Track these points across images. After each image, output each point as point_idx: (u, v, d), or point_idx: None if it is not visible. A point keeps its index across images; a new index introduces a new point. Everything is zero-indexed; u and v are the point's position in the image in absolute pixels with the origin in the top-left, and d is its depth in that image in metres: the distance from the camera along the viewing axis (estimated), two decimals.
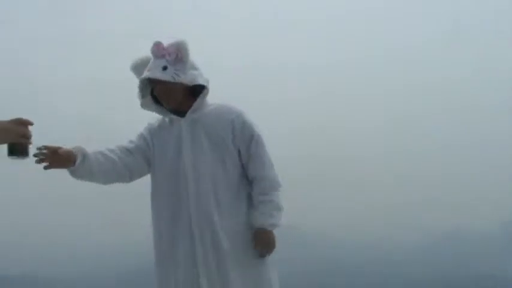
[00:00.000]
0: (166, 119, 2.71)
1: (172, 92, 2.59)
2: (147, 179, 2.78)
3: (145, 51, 2.64)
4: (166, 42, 2.60)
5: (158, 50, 2.58)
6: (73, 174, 2.49)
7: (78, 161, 2.43)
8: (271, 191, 2.63)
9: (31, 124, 2.01)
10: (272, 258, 2.67)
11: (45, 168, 2.39)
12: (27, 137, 1.99)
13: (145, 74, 2.56)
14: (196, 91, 2.64)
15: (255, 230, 2.61)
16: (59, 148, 2.41)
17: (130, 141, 2.69)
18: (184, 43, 2.58)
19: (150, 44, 2.60)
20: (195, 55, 2.64)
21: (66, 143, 2.50)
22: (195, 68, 2.59)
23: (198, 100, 2.63)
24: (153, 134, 2.70)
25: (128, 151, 2.65)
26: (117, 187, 2.74)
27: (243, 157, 2.65)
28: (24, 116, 1.97)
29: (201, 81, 2.58)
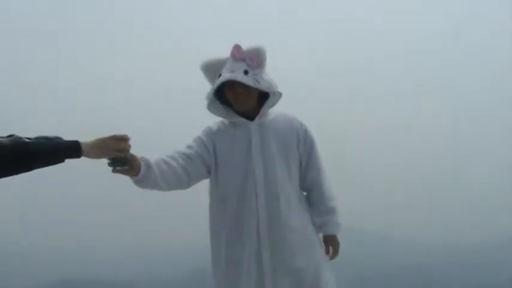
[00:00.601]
0: (226, 122, 2.76)
1: (250, 96, 2.67)
2: None
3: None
4: (244, 46, 2.67)
5: (238, 53, 2.65)
6: (137, 183, 2.51)
7: (142, 171, 2.46)
8: (333, 199, 2.83)
9: (128, 139, 2.31)
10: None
11: (114, 172, 2.40)
12: (125, 151, 2.31)
13: (228, 75, 2.59)
14: (263, 97, 2.73)
15: (327, 236, 2.85)
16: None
17: (189, 147, 2.71)
18: (264, 49, 2.67)
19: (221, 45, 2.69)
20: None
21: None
22: (268, 75, 2.68)
23: (267, 105, 2.73)
24: (214, 138, 2.74)
25: (188, 158, 2.66)
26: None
27: (303, 164, 2.78)
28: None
29: (277, 89, 2.68)
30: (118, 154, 2.30)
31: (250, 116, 2.73)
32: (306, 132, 2.80)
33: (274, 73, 2.68)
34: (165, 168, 2.58)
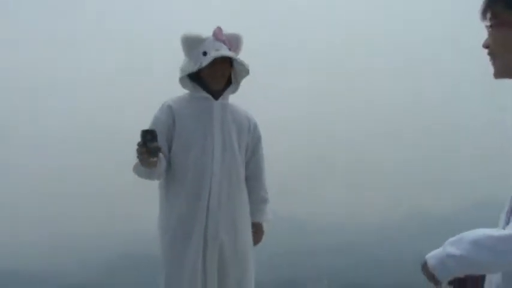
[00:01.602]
0: (186, 98, 2.86)
1: (227, 74, 2.81)
2: None
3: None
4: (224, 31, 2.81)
5: (220, 34, 2.78)
6: (149, 174, 2.66)
7: (157, 163, 2.56)
8: (267, 192, 3.05)
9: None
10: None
11: (143, 164, 2.53)
12: (140, 152, 2.45)
13: (222, 52, 2.69)
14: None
15: (255, 223, 3.01)
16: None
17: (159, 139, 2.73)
18: (242, 37, 2.84)
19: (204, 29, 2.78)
20: None
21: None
22: None
23: (232, 87, 2.87)
24: (174, 113, 2.79)
25: (163, 152, 2.73)
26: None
27: (249, 151, 2.95)
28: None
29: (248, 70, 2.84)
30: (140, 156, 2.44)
31: (215, 96, 2.84)
32: (255, 125, 3.00)
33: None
34: (164, 160, 2.71)
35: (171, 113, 2.78)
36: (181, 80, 2.80)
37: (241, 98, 3.00)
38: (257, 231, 3.02)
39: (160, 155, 2.59)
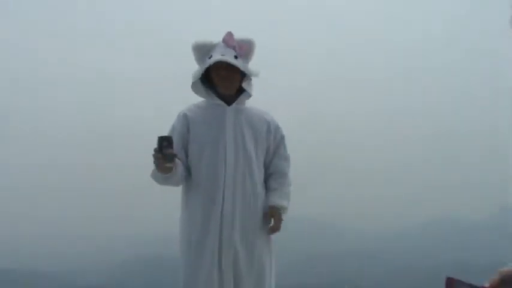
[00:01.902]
0: (202, 105, 2.90)
1: (235, 80, 2.82)
2: None
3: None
4: (236, 36, 2.81)
5: (230, 40, 2.79)
6: (165, 179, 2.72)
7: (174, 169, 2.65)
8: (289, 186, 2.99)
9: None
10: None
11: (159, 170, 2.62)
12: (156, 157, 2.55)
13: (220, 57, 2.72)
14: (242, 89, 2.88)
15: (273, 208, 2.89)
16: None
17: (175, 147, 2.78)
18: (254, 43, 2.84)
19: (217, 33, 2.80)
20: None
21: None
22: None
23: (246, 93, 2.86)
24: (189, 121, 2.86)
25: (180, 159, 2.80)
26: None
27: (269, 153, 2.95)
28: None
29: (256, 75, 2.83)
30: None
31: (228, 102, 2.87)
32: (277, 127, 2.99)
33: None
34: (180, 166, 2.75)
35: (186, 122, 2.85)
36: (193, 86, 2.85)
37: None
38: (274, 216, 2.89)
39: (178, 161, 2.68)
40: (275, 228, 2.89)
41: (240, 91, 2.88)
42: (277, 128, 2.98)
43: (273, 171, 2.96)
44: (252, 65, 2.84)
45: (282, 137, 2.99)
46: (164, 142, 2.52)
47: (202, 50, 2.80)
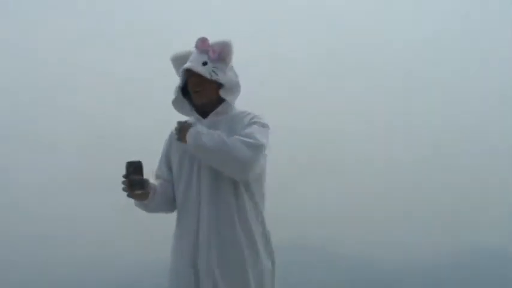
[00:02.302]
0: (191, 121, 2.61)
1: (206, 88, 2.55)
2: None
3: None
4: (212, 40, 2.59)
5: (203, 45, 2.57)
6: (146, 207, 2.56)
7: (150, 195, 2.50)
8: (247, 143, 2.37)
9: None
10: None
11: (129, 196, 2.45)
12: (123, 184, 2.41)
13: (186, 65, 2.52)
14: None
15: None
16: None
17: (159, 168, 2.70)
18: (229, 44, 2.58)
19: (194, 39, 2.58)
20: None
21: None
22: (234, 74, 2.60)
23: (224, 104, 2.58)
24: (170, 142, 2.68)
25: (166, 181, 2.66)
26: None
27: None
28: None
29: (233, 85, 2.55)
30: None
31: (208, 114, 2.61)
32: (253, 116, 2.54)
33: None
34: (165, 190, 2.60)
35: (169, 142, 2.69)
36: (174, 102, 2.63)
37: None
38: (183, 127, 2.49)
39: (157, 186, 2.56)
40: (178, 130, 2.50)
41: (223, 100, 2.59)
42: (253, 118, 2.53)
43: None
44: (232, 69, 2.59)
45: (254, 121, 2.51)
46: (130, 168, 2.39)
47: (179, 62, 2.62)
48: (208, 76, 2.50)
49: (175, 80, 2.62)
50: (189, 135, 2.41)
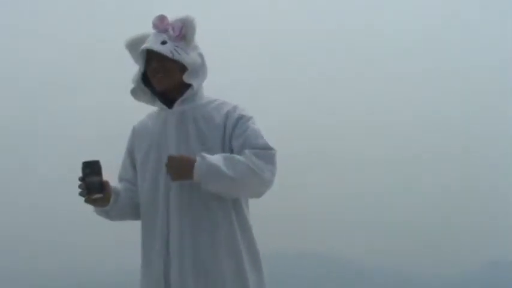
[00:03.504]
0: (154, 113, 2.33)
1: (168, 71, 2.19)
2: None
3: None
4: (172, 17, 2.25)
5: (161, 23, 2.23)
6: (108, 214, 2.23)
7: (111, 200, 2.15)
8: (264, 157, 2.10)
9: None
10: None
11: (86, 201, 2.09)
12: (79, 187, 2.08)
13: (143, 46, 2.20)
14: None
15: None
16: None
17: (123, 168, 2.37)
18: (191, 20, 2.22)
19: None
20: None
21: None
22: (199, 53, 2.25)
23: (190, 90, 2.22)
24: (134, 138, 2.34)
25: (130, 184, 2.32)
26: None
27: (236, 146, 2.15)
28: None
29: (199, 68, 2.21)
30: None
31: (170, 105, 2.25)
32: (240, 116, 2.19)
33: None
34: (131, 195, 2.26)
35: (132, 137, 2.35)
36: (133, 92, 2.27)
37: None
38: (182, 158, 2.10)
39: (120, 189, 2.21)
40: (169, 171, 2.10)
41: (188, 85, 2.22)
42: (234, 111, 2.21)
43: (236, 152, 2.14)
44: (196, 49, 2.23)
45: (240, 116, 2.19)
46: (87, 169, 2.04)
47: (136, 47, 2.24)
48: (169, 55, 2.15)
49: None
50: (202, 171, 2.04)
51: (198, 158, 2.04)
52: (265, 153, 2.09)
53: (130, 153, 2.33)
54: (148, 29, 2.24)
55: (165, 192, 2.16)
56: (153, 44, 2.17)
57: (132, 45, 2.26)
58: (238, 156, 2.07)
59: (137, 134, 2.32)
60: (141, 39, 2.24)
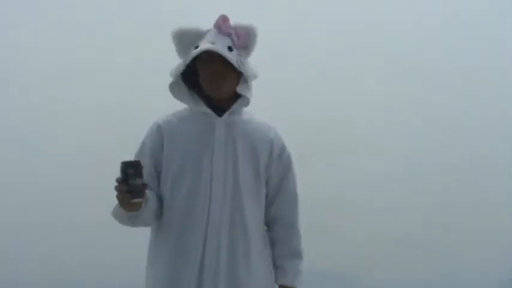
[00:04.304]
0: (184, 115, 2.14)
1: (229, 79, 2.06)
2: None
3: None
4: (233, 21, 2.10)
5: (225, 25, 2.06)
6: (134, 220, 2.00)
7: (142, 205, 1.93)
8: (300, 244, 2.23)
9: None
10: None
11: (123, 206, 1.87)
12: (119, 191, 1.85)
13: (209, 45, 1.98)
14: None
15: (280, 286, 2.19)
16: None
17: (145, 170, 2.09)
18: (257, 30, 2.09)
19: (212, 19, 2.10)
20: None
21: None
22: (254, 66, 2.13)
23: (243, 99, 2.10)
24: (164, 134, 2.10)
25: (153, 180, 2.11)
26: None
27: (270, 186, 2.15)
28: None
29: (252, 81, 2.10)
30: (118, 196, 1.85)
31: (219, 111, 2.11)
32: (283, 148, 2.16)
33: None
34: (156, 199, 2.06)
35: (159, 137, 2.09)
36: (171, 87, 2.07)
37: None
38: None
39: (149, 194, 1.95)
40: None
41: (235, 96, 2.11)
42: (283, 150, 2.17)
43: (275, 217, 2.18)
44: (252, 62, 2.13)
45: (289, 164, 2.18)
46: (130, 170, 1.81)
47: (186, 39, 2.04)
48: (235, 65, 2.01)
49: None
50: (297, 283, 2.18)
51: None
52: (299, 233, 2.23)
53: (156, 155, 2.09)
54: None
55: (204, 206, 2.02)
56: (221, 48, 1.99)
57: (183, 37, 2.05)
58: (296, 256, 2.20)
59: (166, 135, 2.09)
60: (194, 33, 2.06)
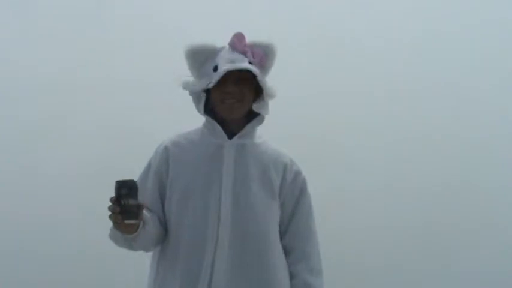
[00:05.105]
0: (192, 136, 2.04)
1: (245, 97, 1.95)
2: None
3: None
4: (249, 38, 1.99)
5: (240, 44, 1.94)
6: (131, 244, 1.89)
7: (139, 227, 1.81)
8: (319, 276, 2.05)
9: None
10: None
11: (116, 226, 1.74)
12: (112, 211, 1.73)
13: (231, 65, 1.87)
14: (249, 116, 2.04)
15: None
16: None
17: (148, 192, 2.01)
18: (275, 48, 1.97)
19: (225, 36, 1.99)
20: None
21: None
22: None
23: (253, 123, 2.00)
24: (171, 156, 2.01)
25: (156, 203, 2.02)
26: None
27: (286, 212, 2.04)
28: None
29: (272, 96, 1.97)
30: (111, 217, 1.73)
31: (231, 133, 2.00)
32: (298, 172, 2.06)
33: None
34: (157, 222, 1.96)
35: (165, 158, 1.99)
36: (198, 107, 1.97)
37: None
38: None
39: (148, 216, 1.87)
40: None
41: (247, 118, 2.02)
42: (298, 175, 2.06)
43: (290, 248, 2.04)
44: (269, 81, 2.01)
45: (304, 189, 2.07)
46: (123, 190, 1.72)
47: (201, 56, 1.95)
48: (260, 78, 1.91)
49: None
50: None
51: None
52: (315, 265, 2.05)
53: (161, 178, 2.00)
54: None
55: (213, 232, 1.90)
56: (244, 64, 1.87)
57: (197, 56, 1.95)
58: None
59: (173, 158, 2.00)
60: (207, 51, 1.96)
